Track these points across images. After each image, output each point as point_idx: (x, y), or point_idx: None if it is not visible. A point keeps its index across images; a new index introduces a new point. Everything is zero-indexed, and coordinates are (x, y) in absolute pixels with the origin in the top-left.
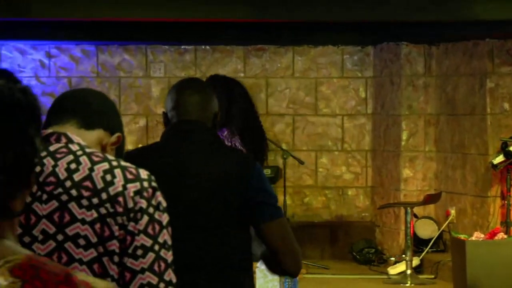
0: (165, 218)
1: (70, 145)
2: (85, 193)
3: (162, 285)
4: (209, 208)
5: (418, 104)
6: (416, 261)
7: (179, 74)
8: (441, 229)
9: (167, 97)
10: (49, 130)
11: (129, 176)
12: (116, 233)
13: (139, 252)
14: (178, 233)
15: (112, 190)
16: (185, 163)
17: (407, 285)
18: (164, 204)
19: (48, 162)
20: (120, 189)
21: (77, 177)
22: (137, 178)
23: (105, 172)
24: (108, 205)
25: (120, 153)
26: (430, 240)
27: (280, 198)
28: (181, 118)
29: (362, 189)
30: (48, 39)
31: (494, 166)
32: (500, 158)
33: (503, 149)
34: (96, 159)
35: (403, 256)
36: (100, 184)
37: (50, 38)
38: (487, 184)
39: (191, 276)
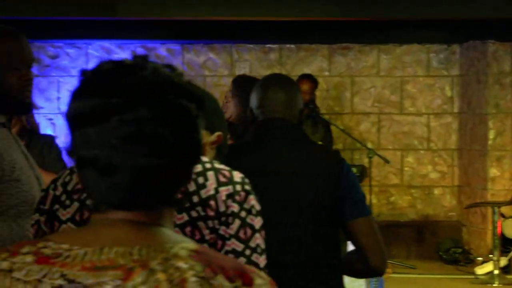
0: (258, 222)
1: None
2: None
3: None
4: (299, 207)
5: (505, 102)
6: (503, 261)
7: (264, 72)
8: None
9: (253, 95)
10: None
11: (222, 179)
12: (207, 237)
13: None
14: (269, 231)
15: (204, 193)
16: (273, 161)
17: (495, 285)
18: (257, 207)
19: None
20: (212, 192)
21: None
22: (230, 181)
23: (198, 174)
24: (199, 208)
25: (221, 152)
26: None
27: (366, 197)
28: (268, 116)
29: (448, 188)
30: (134, 39)
31: None
32: None
33: None
34: None
35: (490, 256)
36: (191, 187)
37: (136, 37)
38: None
39: (283, 277)
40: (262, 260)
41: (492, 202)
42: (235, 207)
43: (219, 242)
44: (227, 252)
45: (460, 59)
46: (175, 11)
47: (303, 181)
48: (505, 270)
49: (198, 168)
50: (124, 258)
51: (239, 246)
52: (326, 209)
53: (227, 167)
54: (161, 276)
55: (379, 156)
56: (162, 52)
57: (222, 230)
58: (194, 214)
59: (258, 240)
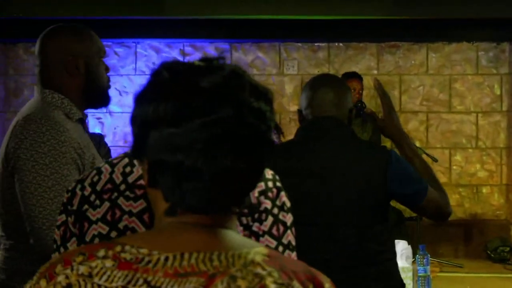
0: (289, 219)
1: None
2: None
3: None
4: (353, 206)
5: None
6: None
7: (312, 71)
8: None
9: (302, 95)
10: None
11: None
12: (241, 234)
13: None
14: (319, 231)
15: None
16: (323, 161)
17: None
18: (288, 204)
19: None
20: None
21: None
22: (262, 178)
23: None
24: None
25: None
26: None
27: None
28: (317, 116)
29: (496, 187)
30: (182, 37)
31: None
32: None
33: None
34: None
35: None
36: None
37: (185, 36)
38: None
39: (339, 275)
40: (293, 257)
41: None
42: (268, 204)
43: (252, 239)
44: None
45: (510, 57)
46: (223, 10)
47: (355, 180)
48: None
49: None
50: (205, 264)
51: (272, 243)
52: (381, 206)
53: None
54: (241, 283)
55: (427, 154)
56: (211, 50)
57: (255, 226)
58: None
59: (290, 236)
